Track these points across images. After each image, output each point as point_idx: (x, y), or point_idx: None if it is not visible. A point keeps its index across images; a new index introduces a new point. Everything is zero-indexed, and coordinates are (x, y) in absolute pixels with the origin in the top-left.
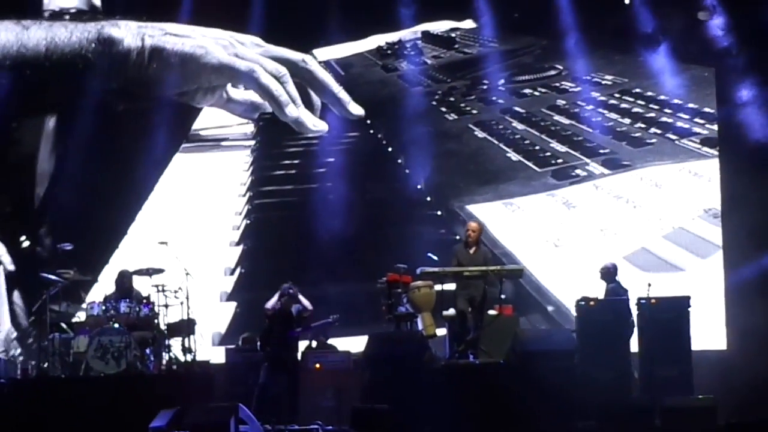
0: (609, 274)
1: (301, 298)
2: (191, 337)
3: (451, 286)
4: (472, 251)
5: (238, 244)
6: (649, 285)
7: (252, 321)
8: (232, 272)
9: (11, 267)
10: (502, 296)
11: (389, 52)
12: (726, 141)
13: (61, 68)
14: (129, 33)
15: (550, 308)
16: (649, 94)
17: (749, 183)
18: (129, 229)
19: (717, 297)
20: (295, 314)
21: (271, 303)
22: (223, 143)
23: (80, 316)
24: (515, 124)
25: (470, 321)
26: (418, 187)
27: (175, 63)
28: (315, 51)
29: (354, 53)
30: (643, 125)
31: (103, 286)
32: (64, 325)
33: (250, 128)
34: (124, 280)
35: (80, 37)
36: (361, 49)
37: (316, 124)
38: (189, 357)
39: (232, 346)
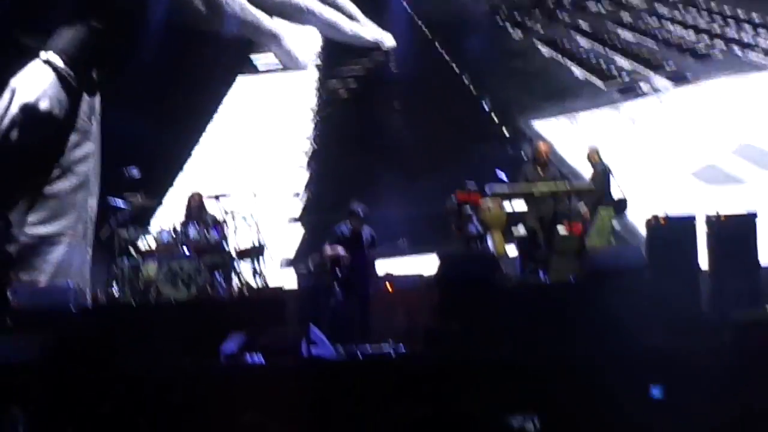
0: (596, 153)
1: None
2: (261, 260)
3: (520, 206)
4: (541, 171)
5: (305, 167)
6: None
7: (319, 244)
8: (300, 195)
9: None
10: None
11: None
12: None
13: None
14: None
15: (617, 226)
16: (713, 6)
17: None
18: (193, 152)
19: None
20: (366, 237)
21: (328, 250)
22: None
23: (149, 242)
24: (580, 40)
25: (540, 239)
26: (484, 105)
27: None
28: None
29: None
30: (707, 39)
31: (168, 209)
32: (132, 251)
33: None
34: (194, 202)
35: None
36: None
37: (375, 36)
38: (259, 281)
39: (303, 270)
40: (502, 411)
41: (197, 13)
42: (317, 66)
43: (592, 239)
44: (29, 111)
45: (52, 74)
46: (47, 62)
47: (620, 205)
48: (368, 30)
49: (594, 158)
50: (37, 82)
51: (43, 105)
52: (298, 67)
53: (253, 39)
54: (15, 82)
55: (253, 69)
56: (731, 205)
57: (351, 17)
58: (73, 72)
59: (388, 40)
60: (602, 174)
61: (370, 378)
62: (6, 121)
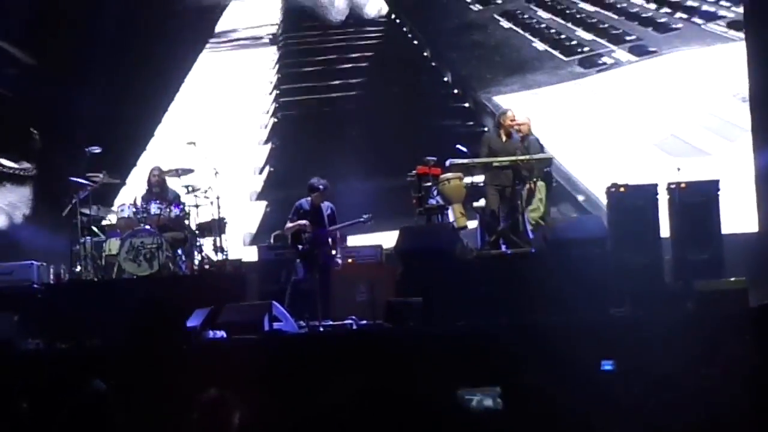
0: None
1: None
2: (222, 236)
3: (481, 178)
4: (504, 140)
5: (266, 142)
6: (678, 169)
7: (281, 219)
8: (261, 171)
9: None
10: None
11: None
12: (752, 23)
13: None
14: None
15: (580, 197)
16: None
17: None
18: (156, 131)
19: (747, 180)
20: (326, 212)
21: (289, 224)
22: (248, 41)
23: (111, 219)
24: (540, 12)
25: (501, 211)
26: (445, 79)
27: None
28: None
29: None
30: (668, 10)
31: (131, 188)
32: (95, 229)
33: (275, 27)
34: (155, 176)
35: None
36: None
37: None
38: (221, 256)
39: (265, 245)
40: (464, 382)
41: None
42: (278, 39)
43: (534, 214)
44: None
45: None
46: None
47: (549, 179)
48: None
49: (527, 131)
50: None
51: None
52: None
53: None
54: None
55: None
56: (696, 176)
57: None
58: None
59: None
60: (534, 147)
61: (331, 351)
62: None
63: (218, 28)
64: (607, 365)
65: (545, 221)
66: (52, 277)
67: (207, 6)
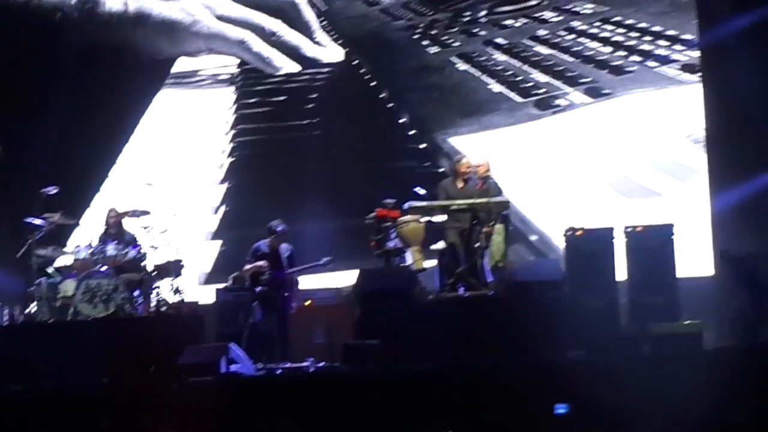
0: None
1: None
2: (179, 277)
3: (439, 220)
4: (460, 185)
5: (222, 182)
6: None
7: (237, 259)
8: (217, 211)
9: None
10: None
11: None
12: (709, 66)
13: (39, 16)
14: None
15: (533, 238)
16: (629, 21)
17: (735, 107)
18: (110, 172)
19: (697, 221)
20: (285, 255)
21: (247, 266)
22: (207, 81)
23: (66, 260)
24: (497, 55)
25: (459, 253)
26: (402, 120)
27: (163, 30)
28: None
29: None
30: (623, 53)
31: (85, 229)
32: (50, 270)
33: (233, 67)
34: (112, 217)
35: None
36: None
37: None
38: (178, 298)
39: (222, 286)
40: (422, 424)
41: (161, 46)
42: (236, 79)
43: (493, 257)
44: None
45: None
46: None
47: (507, 221)
48: (324, 51)
49: (484, 173)
50: None
51: None
52: (273, 68)
53: (221, 51)
54: None
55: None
56: (648, 217)
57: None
58: None
59: (338, 56)
60: (493, 189)
61: (289, 394)
62: None
63: (176, 68)
64: (561, 408)
65: (504, 264)
66: (6, 318)
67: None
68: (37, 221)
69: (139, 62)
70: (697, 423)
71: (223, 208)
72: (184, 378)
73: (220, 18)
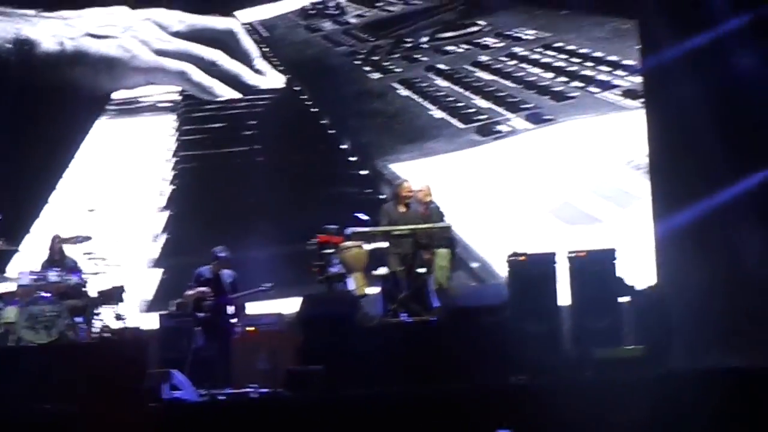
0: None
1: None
2: (121, 304)
3: (382, 246)
4: (402, 210)
5: (164, 209)
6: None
7: (178, 286)
8: (158, 238)
9: None
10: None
11: (313, 12)
12: (651, 92)
13: None
14: (47, 35)
15: (475, 265)
16: (571, 47)
17: (678, 133)
18: (50, 197)
19: (638, 246)
20: (227, 281)
21: (189, 292)
22: (148, 108)
23: (8, 287)
24: (438, 81)
25: (401, 279)
26: (344, 147)
27: (102, 68)
28: (238, 12)
29: (278, 14)
30: (565, 79)
31: (25, 255)
32: None
33: (175, 94)
34: (55, 245)
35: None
36: (285, 10)
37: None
38: (121, 324)
39: (165, 312)
40: None
41: (101, 83)
42: (177, 107)
43: (437, 280)
44: None
45: None
46: None
47: (452, 245)
48: (265, 78)
49: (426, 198)
50: None
51: None
52: (213, 95)
53: (161, 83)
54: None
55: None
56: (589, 243)
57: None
58: None
59: (279, 82)
60: (435, 213)
61: (232, 420)
62: None
63: (117, 96)
64: None
65: (447, 289)
66: None
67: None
68: None
69: (78, 96)
70: None
71: (164, 236)
72: (143, 403)
73: (158, 52)
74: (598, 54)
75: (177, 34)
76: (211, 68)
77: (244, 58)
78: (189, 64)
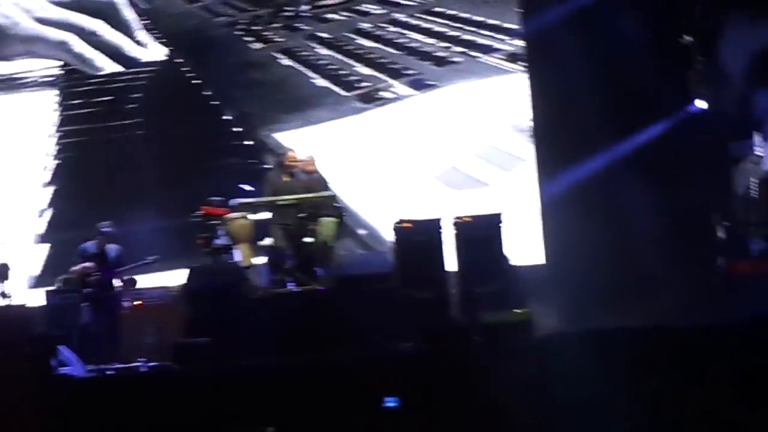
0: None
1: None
2: (6, 281)
3: (266, 216)
4: (286, 179)
5: (48, 185)
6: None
7: (64, 262)
8: (43, 214)
9: None
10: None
11: None
12: (534, 56)
13: None
14: None
15: (362, 232)
16: (452, 12)
17: (560, 96)
18: None
19: (524, 209)
20: (112, 255)
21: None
22: (29, 84)
23: None
24: (319, 49)
25: (286, 249)
26: (227, 118)
27: None
28: None
29: None
30: (446, 44)
31: None
32: None
33: (56, 69)
34: None
35: None
36: None
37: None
38: (6, 302)
39: (51, 288)
40: (252, 421)
41: None
42: (58, 83)
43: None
44: None
45: None
46: None
47: (338, 214)
48: (146, 50)
49: (310, 168)
50: None
51: None
52: (95, 69)
53: (42, 54)
54: None
55: None
56: (476, 208)
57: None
58: None
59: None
60: (319, 182)
61: (120, 394)
62: None
63: None
64: (390, 402)
65: (333, 257)
66: None
67: None
68: None
69: None
70: (529, 409)
71: (50, 211)
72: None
73: (39, 21)
74: (479, 18)
75: (59, 4)
76: (92, 38)
77: (126, 30)
78: (70, 34)
